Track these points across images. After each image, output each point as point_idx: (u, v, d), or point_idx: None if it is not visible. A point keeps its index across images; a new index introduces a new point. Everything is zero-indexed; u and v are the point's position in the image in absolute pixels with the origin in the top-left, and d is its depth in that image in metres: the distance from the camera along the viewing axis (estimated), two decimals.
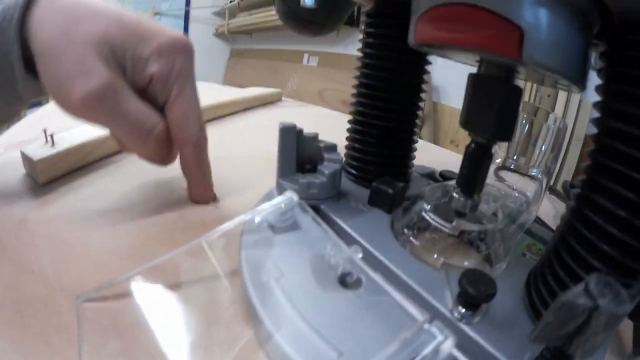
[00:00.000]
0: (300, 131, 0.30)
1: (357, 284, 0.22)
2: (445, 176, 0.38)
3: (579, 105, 1.58)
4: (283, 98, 0.93)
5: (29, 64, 0.28)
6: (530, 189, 0.41)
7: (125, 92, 0.28)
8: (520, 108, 0.39)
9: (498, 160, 0.42)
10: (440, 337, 0.16)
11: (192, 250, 0.24)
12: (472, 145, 0.25)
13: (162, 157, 0.33)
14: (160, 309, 0.23)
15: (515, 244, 0.29)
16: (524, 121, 0.41)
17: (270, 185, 0.33)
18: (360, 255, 0.22)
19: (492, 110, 0.22)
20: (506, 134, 0.24)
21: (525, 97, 1.74)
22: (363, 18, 0.33)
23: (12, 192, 0.35)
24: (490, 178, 0.43)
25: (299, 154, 0.30)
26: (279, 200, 0.25)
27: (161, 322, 0.21)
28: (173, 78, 0.30)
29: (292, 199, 0.25)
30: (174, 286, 0.24)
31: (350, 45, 2.79)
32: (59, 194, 0.35)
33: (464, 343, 0.20)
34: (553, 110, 1.59)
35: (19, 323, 0.21)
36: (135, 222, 0.32)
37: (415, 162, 0.38)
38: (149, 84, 0.30)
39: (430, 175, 0.39)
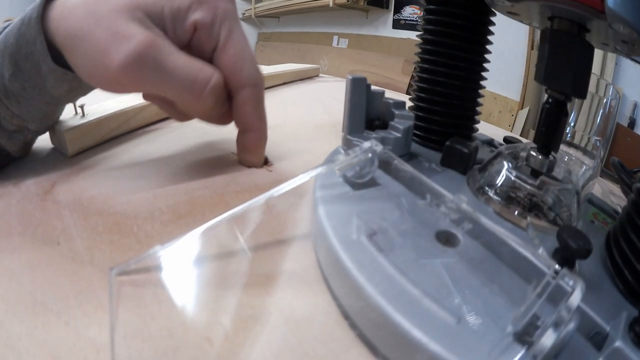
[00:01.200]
0: (369, 85, 0.29)
1: (455, 241, 0.21)
2: (509, 140, 0.38)
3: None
4: (320, 74, 0.93)
5: (58, 61, 0.27)
6: (587, 162, 0.41)
7: (169, 48, 0.26)
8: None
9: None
10: (570, 288, 0.15)
11: (252, 210, 0.21)
12: (550, 101, 0.25)
13: (223, 115, 0.32)
14: (204, 279, 0.21)
15: (585, 211, 0.29)
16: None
17: (327, 151, 0.32)
18: (465, 202, 0.20)
19: (571, 65, 0.23)
20: (582, 90, 0.24)
21: None
22: None
23: (38, 164, 0.32)
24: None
25: (368, 108, 0.29)
26: (359, 151, 0.24)
27: (206, 294, 0.20)
28: (218, 22, 0.28)
29: (375, 150, 0.24)
30: (223, 254, 0.22)
31: (380, 27, 2.76)
32: (90, 163, 0.33)
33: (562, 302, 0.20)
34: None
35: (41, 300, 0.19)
36: (179, 186, 0.30)
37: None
38: (194, 35, 0.28)
39: (490, 143, 0.39)
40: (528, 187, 0.25)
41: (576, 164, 0.38)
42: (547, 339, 0.14)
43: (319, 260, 0.22)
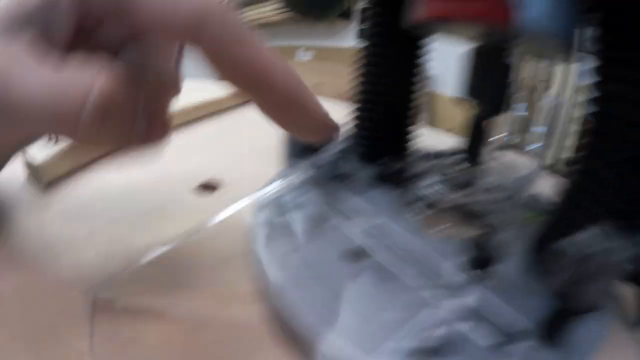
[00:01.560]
0: None
1: (366, 255, 0.23)
2: (442, 154, 0.39)
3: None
4: None
5: None
6: (530, 165, 0.42)
7: (17, 68, 0.18)
8: (519, 85, 0.40)
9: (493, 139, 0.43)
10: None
11: (198, 235, 0.22)
12: (473, 115, 0.26)
13: (138, 135, 0.20)
14: (170, 296, 0.23)
15: (519, 216, 0.30)
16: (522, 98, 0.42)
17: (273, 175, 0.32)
18: (365, 227, 0.23)
19: (491, 80, 0.24)
20: (503, 104, 0.25)
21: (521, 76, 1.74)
22: (358, 7, 0.34)
23: (13, 197, 0.32)
24: (499, 152, 0.44)
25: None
26: (291, 176, 0.26)
27: (172, 310, 0.22)
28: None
29: (306, 174, 0.26)
30: (182, 272, 0.24)
31: (344, 38, 2.79)
32: (62, 195, 0.33)
33: (476, 304, 0.20)
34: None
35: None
36: (138, 214, 0.30)
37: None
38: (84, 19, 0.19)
39: (428, 156, 0.40)
40: (453, 198, 0.26)
41: (515, 168, 0.39)
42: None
43: None
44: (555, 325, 0.17)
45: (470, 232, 0.27)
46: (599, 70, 0.20)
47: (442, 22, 0.22)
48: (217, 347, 0.20)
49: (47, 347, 0.19)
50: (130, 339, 0.20)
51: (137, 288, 0.22)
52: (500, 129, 0.39)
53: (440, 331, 0.17)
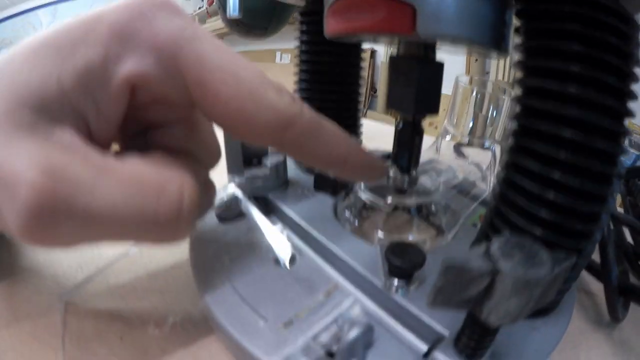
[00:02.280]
0: None
1: (292, 261, 0.24)
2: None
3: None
4: None
5: None
6: (487, 162, 0.42)
7: (87, 171, 0.15)
8: (468, 82, 0.40)
9: (448, 137, 0.43)
10: (351, 299, 0.18)
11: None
12: (401, 123, 0.26)
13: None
14: (127, 299, 0.24)
15: (468, 215, 0.30)
16: (473, 94, 0.42)
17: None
18: (285, 234, 0.24)
19: (410, 87, 0.24)
20: (429, 109, 0.25)
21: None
22: (297, 17, 0.34)
23: None
24: (450, 154, 0.44)
25: (243, 150, 0.30)
26: (221, 194, 0.27)
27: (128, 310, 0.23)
28: (170, 58, 0.16)
29: (234, 192, 0.27)
30: (140, 276, 0.26)
31: None
32: None
33: (399, 313, 0.21)
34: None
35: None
36: None
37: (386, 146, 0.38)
38: (134, 97, 0.17)
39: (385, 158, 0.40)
40: (380, 207, 0.26)
41: (465, 170, 0.40)
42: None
43: None
44: (465, 337, 0.17)
45: (410, 235, 0.27)
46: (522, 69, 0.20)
47: (350, 35, 0.22)
48: (165, 343, 0.22)
49: (28, 346, 0.21)
50: (93, 336, 0.22)
51: (100, 293, 0.25)
52: (455, 130, 0.39)
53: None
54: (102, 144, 0.17)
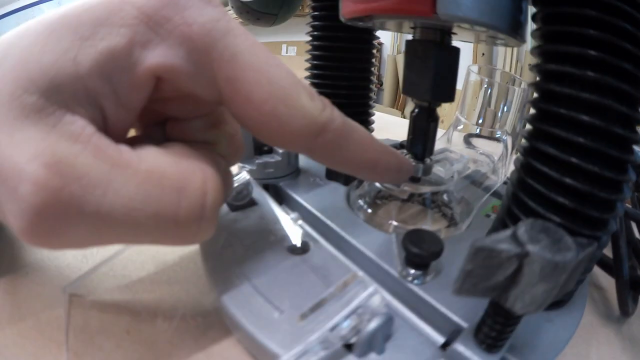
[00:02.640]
0: None
1: (305, 249, 0.23)
2: (403, 145, 0.39)
3: None
4: None
5: None
6: (498, 153, 0.42)
7: (99, 166, 0.13)
8: (478, 72, 0.39)
9: (460, 127, 0.43)
10: (371, 289, 0.17)
11: None
12: (416, 109, 0.25)
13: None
14: (133, 290, 0.24)
15: (480, 206, 0.30)
16: (485, 85, 0.41)
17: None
18: (299, 221, 0.23)
19: (427, 73, 0.23)
20: (445, 95, 0.24)
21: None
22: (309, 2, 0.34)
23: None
24: (460, 144, 0.44)
25: (254, 137, 0.30)
26: (242, 174, 0.26)
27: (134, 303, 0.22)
28: (204, 53, 0.15)
29: (245, 178, 0.26)
30: (145, 268, 0.25)
31: None
32: None
33: (415, 304, 0.20)
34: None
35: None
36: None
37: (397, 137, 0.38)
38: (159, 88, 0.16)
39: (395, 148, 0.40)
40: (395, 194, 0.26)
41: (477, 161, 0.39)
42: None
43: None
44: (486, 327, 0.17)
45: (423, 224, 0.26)
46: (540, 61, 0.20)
47: (368, 17, 0.21)
48: (174, 336, 0.21)
49: (32, 341, 0.20)
50: (99, 329, 0.21)
51: (105, 284, 0.23)
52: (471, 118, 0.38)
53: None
54: (117, 135, 0.15)
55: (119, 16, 0.14)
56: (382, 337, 0.17)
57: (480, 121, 0.43)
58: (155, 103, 0.17)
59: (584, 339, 0.23)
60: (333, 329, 0.17)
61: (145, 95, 0.16)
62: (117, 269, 0.24)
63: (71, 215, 0.13)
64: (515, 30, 0.20)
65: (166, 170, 0.15)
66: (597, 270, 0.29)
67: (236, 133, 0.20)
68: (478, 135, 0.42)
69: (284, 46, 2.88)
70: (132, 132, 0.18)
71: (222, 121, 0.19)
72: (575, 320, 0.20)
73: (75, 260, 0.26)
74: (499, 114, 0.41)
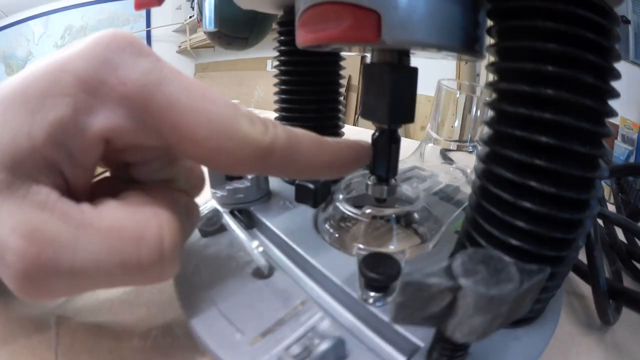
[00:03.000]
0: None
1: (270, 274, 0.24)
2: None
3: None
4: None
5: None
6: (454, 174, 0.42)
7: (70, 232, 0.15)
8: (455, 86, 0.40)
9: (431, 144, 0.44)
10: (319, 314, 0.18)
11: None
12: (376, 133, 0.26)
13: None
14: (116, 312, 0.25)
15: (451, 222, 0.30)
16: (459, 98, 0.42)
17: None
18: (260, 249, 0.25)
19: (384, 96, 0.23)
20: (404, 117, 0.24)
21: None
22: (276, 27, 0.34)
23: None
24: (435, 159, 0.44)
25: None
26: (202, 208, 0.27)
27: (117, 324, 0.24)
28: (142, 107, 0.16)
29: (214, 207, 0.27)
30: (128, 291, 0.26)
31: None
32: None
33: (377, 325, 0.21)
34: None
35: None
36: None
37: None
38: (108, 147, 0.17)
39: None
40: (359, 217, 0.26)
41: (451, 176, 0.40)
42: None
43: None
44: (436, 353, 0.17)
45: (390, 245, 0.27)
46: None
47: (321, 45, 0.22)
48: (149, 356, 0.22)
49: (24, 359, 0.21)
50: (84, 349, 0.22)
51: (89, 307, 0.25)
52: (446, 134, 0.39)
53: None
54: (79, 191, 0.18)
55: (60, 86, 0.16)
56: (334, 358, 0.18)
57: (454, 135, 0.44)
58: (111, 154, 0.18)
59: (561, 351, 0.23)
60: (287, 348, 0.18)
61: (98, 154, 0.17)
62: (100, 292, 0.26)
63: (50, 274, 0.15)
64: (469, 47, 0.20)
65: (124, 223, 0.16)
66: (576, 277, 0.28)
67: (194, 166, 0.21)
68: (454, 150, 0.43)
69: (268, 62, 2.89)
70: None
71: (177, 158, 0.20)
72: (545, 336, 0.20)
73: None
74: (474, 127, 0.42)
